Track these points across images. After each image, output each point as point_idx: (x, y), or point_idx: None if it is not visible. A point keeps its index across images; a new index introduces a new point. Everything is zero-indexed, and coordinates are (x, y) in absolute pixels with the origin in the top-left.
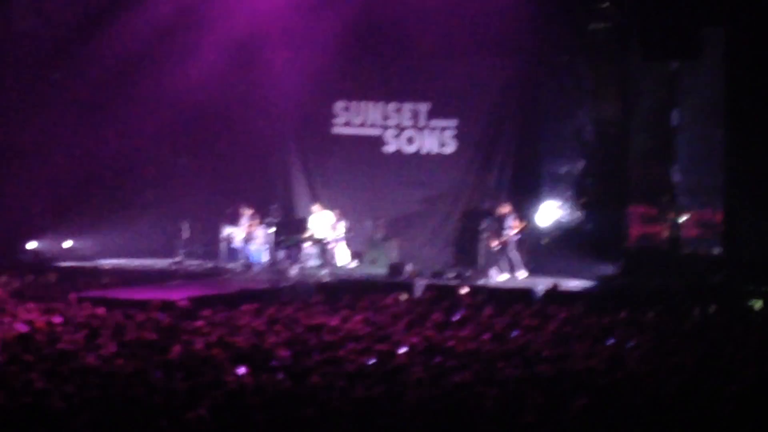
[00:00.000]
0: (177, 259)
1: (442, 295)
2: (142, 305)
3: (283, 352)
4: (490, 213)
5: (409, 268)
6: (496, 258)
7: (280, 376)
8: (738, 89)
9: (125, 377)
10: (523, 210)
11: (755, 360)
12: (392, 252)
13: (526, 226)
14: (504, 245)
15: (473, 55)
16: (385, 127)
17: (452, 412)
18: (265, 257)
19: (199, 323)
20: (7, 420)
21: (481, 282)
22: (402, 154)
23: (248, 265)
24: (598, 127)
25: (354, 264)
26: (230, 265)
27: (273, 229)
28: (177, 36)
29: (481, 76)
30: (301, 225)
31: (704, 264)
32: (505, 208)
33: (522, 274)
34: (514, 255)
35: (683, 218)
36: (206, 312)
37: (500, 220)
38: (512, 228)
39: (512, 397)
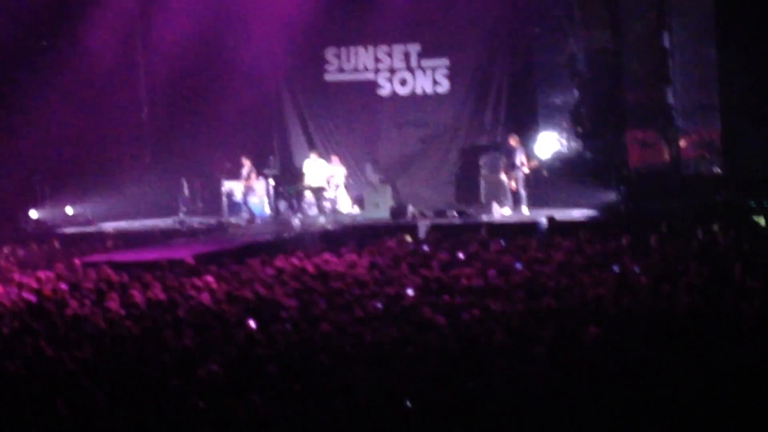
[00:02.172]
0: (179, 217)
1: (446, 234)
2: (148, 266)
3: (292, 303)
4: (490, 148)
5: (411, 209)
6: (498, 193)
7: (290, 326)
8: (727, 6)
9: (135, 338)
10: (522, 139)
11: (764, 276)
12: (393, 194)
13: (538, 165)
14: (515, 180)
15: None
16: (378, 71)
17: (463, 349)
18: (266, 209)
19: (206, 279)
20: (21, 388)
21: (484, 218)
22: (396, 96)
23: (251, 219)
24: (591, 55)
25: (356, 209)
26: (233, 220)
27: (272, 181)
28: None
29: (469, 12)
30: (300, 174)
31: (706, 184)
32: (513, 140)
33: (525, 210)
34: (522, 190)
35: (682, 140)
36: (213, 268)
37: (509, 152)
38: (523, 165)
39: (522, 330)
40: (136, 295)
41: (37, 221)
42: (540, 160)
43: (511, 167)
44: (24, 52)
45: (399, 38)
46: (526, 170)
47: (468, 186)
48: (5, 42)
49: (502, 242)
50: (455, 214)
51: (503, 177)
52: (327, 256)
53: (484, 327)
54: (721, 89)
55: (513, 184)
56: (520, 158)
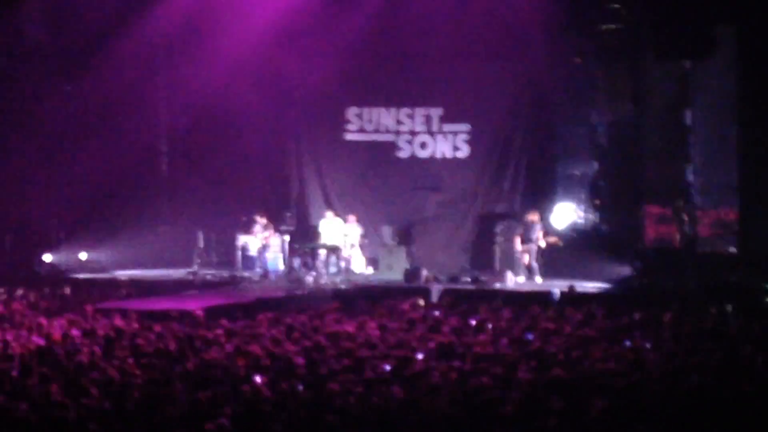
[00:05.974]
0: (193, 268)
1: (459, 300)
2: (160, 316)
3: (301, 360)
4: (506, 216)
5: (425, 273)
6: (512, 261)
7: (299, 384)
8: (751, 87)
9: (144, 388)
10: (542, 214)
11: None
12: (407, 257)
13: (557, 241)
14: (528, 252)
15: (485, 59)
16: (398, 133)
17: (471, 417)
18: (280, 265)
19: (217, 332)
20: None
21: (497, 285)
22: (416, 159)
23: (264, 274)
24: (612, 128)
25: (370, 270)
26: (246, 274)
27: (288, 237)
28: (188, 45)
29: (493, 79)
30: (315, 232)
31: (720, 263)
32: (534, 216)
33: (538, 280)
34: (534, 263)
35: (699, 218)
36: (223, 321)
37: (527, 227)
38: (539, 239)
39: (531, 401)
40: (146, 345)
41: (50, 265)
42: (560, 235)
43: (527, 241)
44: (44, 96)
45: (421, 101)
46: (542, 244)
47: (483, 252)
48: (26, 86)
49: (515, 311)
50: (468, 279)
51: (518, 248)
52: (338, 315)
53: (492, 395)
54: (741, 169)
55: (527, 257)
56: (537, 233)
